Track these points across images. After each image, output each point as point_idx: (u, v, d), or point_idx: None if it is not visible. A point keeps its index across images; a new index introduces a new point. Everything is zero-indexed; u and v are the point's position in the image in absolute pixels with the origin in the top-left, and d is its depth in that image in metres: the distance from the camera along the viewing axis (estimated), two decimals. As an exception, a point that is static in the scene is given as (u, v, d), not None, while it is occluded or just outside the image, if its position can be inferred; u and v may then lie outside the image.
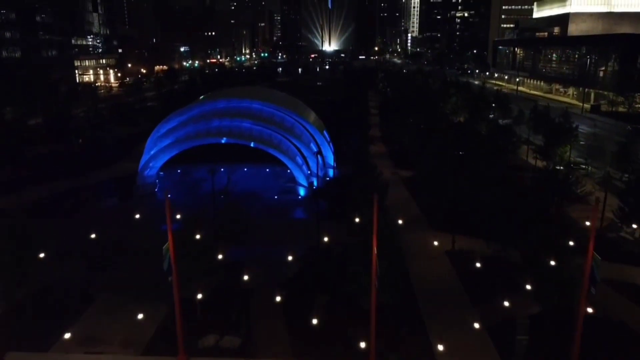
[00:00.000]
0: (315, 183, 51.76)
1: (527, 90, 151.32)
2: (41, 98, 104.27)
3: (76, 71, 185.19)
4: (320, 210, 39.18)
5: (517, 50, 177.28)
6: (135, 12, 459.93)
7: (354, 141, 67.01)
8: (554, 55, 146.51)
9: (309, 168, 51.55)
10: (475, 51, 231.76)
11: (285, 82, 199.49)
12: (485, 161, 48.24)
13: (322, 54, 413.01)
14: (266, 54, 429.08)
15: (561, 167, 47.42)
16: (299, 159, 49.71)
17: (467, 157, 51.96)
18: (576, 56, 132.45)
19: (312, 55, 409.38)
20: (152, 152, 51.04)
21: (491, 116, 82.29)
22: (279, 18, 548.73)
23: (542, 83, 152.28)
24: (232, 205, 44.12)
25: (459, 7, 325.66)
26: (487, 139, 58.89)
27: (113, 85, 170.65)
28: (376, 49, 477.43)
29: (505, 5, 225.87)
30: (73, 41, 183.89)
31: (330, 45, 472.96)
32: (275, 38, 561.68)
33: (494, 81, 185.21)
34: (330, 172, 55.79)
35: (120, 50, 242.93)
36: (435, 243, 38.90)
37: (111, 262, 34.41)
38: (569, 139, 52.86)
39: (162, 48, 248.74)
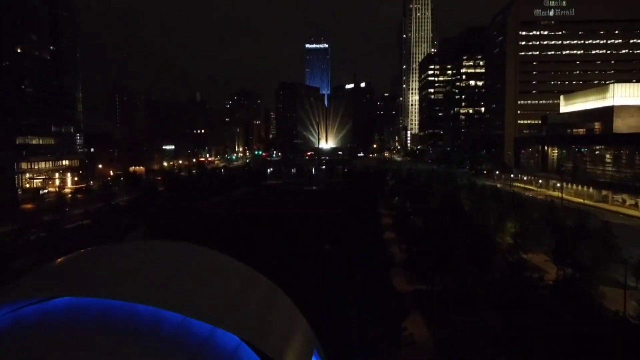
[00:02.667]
0: None
1: (574, 199, 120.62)
2: None
3: (27, 175, 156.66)
4: None
5: (549, 149, 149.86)
6: (127, 109, 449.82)
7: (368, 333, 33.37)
8: (607, 156, 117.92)
9: None
10: (493, 150, 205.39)
11: (274, 185, 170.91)
12: None
13: (319, 151, 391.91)
14: (260, 152, 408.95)
15: None
16: None
17: None
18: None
19: (309, 153, 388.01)
20: None
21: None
22: (275, 116, 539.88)
23: (591, 189, 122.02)
24: None
25: (463, 104, 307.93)
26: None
27: (49, 194, 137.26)
28: (375, 146, 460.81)
29: (521, 100, 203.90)
30: (25, 140, 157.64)
31: (327, 143, 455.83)
32: (271, 135, 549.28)
33: (520, 184, 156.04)
34: None
35: (92, 150, 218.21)
36: None
37: None
38: None
39: (137, 146, 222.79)
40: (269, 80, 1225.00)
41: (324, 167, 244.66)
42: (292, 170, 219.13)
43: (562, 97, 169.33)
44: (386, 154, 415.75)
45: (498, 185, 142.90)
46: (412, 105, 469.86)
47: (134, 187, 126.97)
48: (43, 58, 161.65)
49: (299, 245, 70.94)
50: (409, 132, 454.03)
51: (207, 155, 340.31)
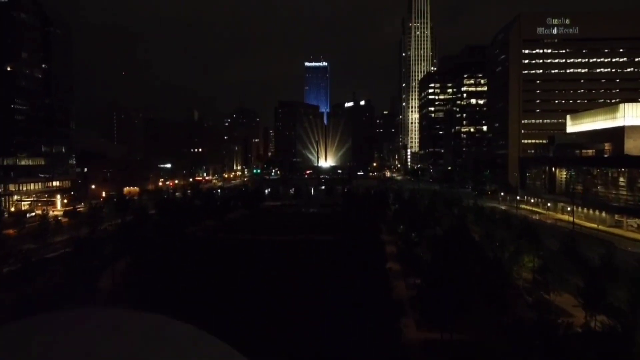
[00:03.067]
0: None
1: (586, 224, 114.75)
2: None
3: (15, 197, 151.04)
4: None
5: (557, 170, 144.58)
6: (124, 128, 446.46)
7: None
8: (621, 179, 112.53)
9: None
10: (497, 170, 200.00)
11: (272, 207, 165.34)
12: None
13: (318, 170, 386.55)
14: (258, 170, 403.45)
15: None
16: None
17: None
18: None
19: (308, 172, 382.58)
20: None
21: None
22: (274, 134, 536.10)
23: (603, 214, 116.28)
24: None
25: (464, 123, 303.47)
26: None
27: (36, 217, 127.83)
28: (375, 164, 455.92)
29: (524, 120, 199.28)
30: (15, 161, 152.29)
31: (326, 161, 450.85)
32: (270, 153, 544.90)
33: (527, 207, 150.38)
34: None
35: (85, 169, 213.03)
36: None
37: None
38: None
39: (132, 165, 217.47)
40: (268, 98, 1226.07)
41: (323, 187, 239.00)
42: (291, 190, 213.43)
43: (568, 116, 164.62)
44: (387, 173, 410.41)
45: (503, 207, 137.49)
46: (412, 123, 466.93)
47: (125, 210, 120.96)
48: (35, 77, 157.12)
49: (294, 285, 64.82)
50: (409, 150, 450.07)
51: (205, 174, 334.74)
